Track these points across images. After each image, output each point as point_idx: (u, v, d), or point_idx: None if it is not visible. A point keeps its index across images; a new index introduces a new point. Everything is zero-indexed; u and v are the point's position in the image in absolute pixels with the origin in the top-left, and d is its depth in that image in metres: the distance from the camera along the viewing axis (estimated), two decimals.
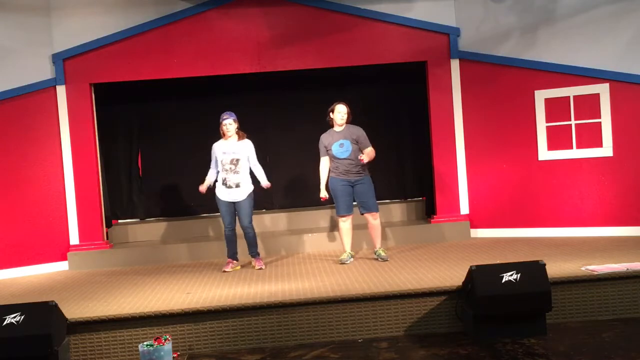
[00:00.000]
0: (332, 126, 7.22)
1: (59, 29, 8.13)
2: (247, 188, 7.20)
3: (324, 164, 7.26)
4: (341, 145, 7.11)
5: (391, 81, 9.22)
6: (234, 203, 7.17)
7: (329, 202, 7.41)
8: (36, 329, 4.97)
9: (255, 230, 7.35)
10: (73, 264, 8.10)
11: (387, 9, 8.29)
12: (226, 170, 7.15)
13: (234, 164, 7.13)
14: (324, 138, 7.24)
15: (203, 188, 7.28)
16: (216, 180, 7.28)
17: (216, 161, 7.24)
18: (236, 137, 7.20)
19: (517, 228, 8.21)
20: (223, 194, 7.19)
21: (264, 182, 7.30)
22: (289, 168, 9.25)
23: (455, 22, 8.36)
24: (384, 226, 7.41)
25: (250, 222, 7.22)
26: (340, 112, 7.14)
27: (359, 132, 7.17)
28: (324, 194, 7.23)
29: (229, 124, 7.14)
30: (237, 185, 7.14)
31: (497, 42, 8.19)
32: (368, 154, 7.09)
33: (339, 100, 7.22)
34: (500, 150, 8.28)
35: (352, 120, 7.25)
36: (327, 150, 7.19)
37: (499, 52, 8.19)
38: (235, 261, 7.31)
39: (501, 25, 8.17)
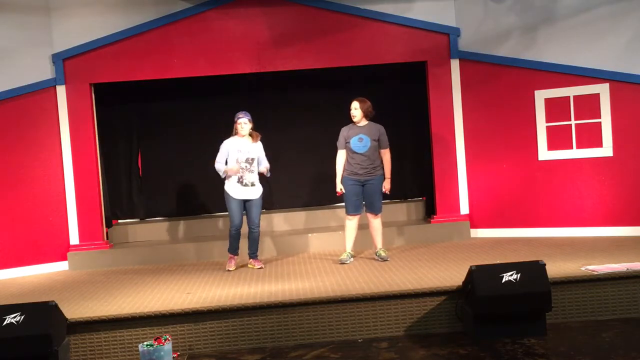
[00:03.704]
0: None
1: (59, 29, 8.13)
2: (260, 187, 7.26)
3: (340, 158, 7.21)
4: (360, 139, 7.09)
5: (391, 81, 9.21)
6: (245, 201, 7.18)
7: (340, 199, 7.39)
8: (36, 329, 4.97)
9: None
10: (73, 264, 8.10)
11: (387, 9, 8.29)
12: (242, 169, 7.14)
13: (250, 162, 7.14)
14: (344, 130, 7.22)
15: (233, 169, 7.10)
16: (224, 178, 7.25)
17: (227, 157, 7.18)
18: (250, 137, 7.22)
19: (517, 228, 8.21)
20: (236, 192, 7.16)
21: (265, 167, 7.23)
22: (289, 168, 9.24)
23: (455, 22, 8.36)
24: (384, 226, 7.41)
25: (259, 221, 7.26)
26: (352, 109, 7.14)
27: (381, 130, 7.17)
28: (339, 187, 7.20)
29: (244, 123, 7.14)
30: (253, 184, 7.18)
31: (497, 42, 8.19)
32: (389, 180, 7.16)
33: (356, 97, 7.21)
34: (500, 150, 8.27)
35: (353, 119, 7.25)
36: (346, 143, 7.16)
37: (499, 52, 8.19)
38: (236, 256, 7.32)
39: (501, 25, 8.17)
